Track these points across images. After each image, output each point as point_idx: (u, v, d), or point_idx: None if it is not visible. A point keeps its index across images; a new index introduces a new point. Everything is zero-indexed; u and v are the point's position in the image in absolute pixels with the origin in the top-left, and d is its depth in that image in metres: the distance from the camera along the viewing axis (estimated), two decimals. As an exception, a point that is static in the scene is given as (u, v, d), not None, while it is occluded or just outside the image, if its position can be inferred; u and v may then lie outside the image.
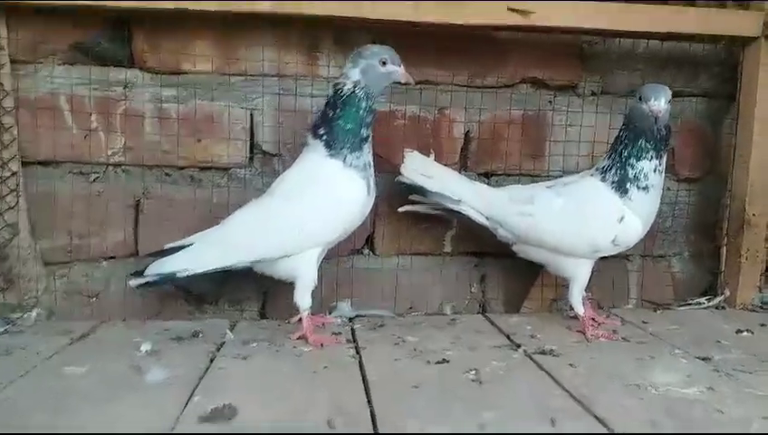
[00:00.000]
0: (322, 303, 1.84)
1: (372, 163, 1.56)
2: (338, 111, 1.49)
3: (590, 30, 1.80)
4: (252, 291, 1.85)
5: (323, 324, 1.71)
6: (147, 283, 1.54)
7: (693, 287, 2.09)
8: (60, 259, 1.76)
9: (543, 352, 1.48)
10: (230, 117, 1.79)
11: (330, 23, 1.74)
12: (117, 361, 1.38)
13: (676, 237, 2.09)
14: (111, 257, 1.78)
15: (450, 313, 1.90)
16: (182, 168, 1.80)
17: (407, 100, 1.88)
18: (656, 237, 2.04)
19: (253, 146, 1.83)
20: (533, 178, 1.96)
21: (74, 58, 1.72)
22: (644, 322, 1.77)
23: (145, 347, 1.47)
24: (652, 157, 1.55)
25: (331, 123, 1.50)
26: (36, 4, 1.61)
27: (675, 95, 1.98)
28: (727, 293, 1.97)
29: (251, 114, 1.81)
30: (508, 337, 1.61)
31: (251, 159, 1.83)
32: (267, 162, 1.84)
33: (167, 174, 1.80)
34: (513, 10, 1.70)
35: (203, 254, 1.53)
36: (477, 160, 1.95)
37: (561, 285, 1.94)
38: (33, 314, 1.70)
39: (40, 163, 1.73)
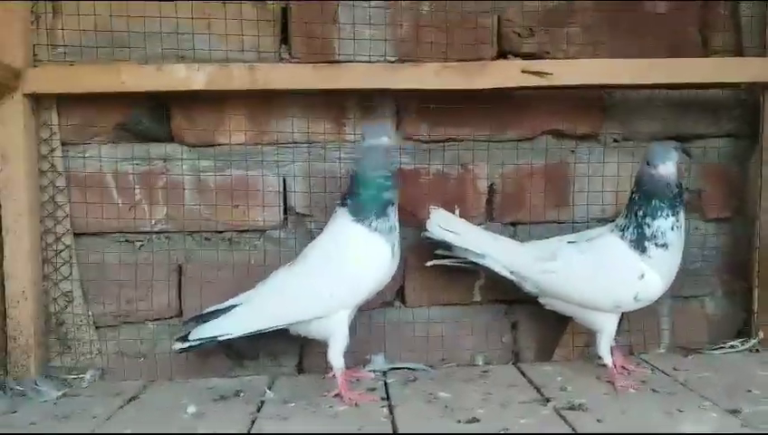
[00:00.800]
0: (356, 356, 1.91)
1: (397, 226, 1.64)
2: (356, 180, 1.61)
3: (608, 85, 1.86)
4: (289, 345, 1.93)
5: (358, 380, 1.77)
6: (190, 346, 1.64)
7: (728, 327, 2.08)
8: (110, 323, 1.88)
9: (572, 407, 1.51)
10: (264, 183, 1.89)
11: (355, 91, 1.84)
12: (166, 425, 1.47)
13: (707, 278, 2.09)
14: (157, 319, 1.89)
15: (482, 363, 1.94)
16: (221, 231, 1.91)
17: (431, 157, 1.95)
18: (685, 279, 2.05)
19: (286, 209, 1.93)
20: (560, 225, 2.01)
21: (118, 137, 1.86)
22: (675, 368, 1.79)
23: (191, 410, 1.56)
24: (668, 215, 1.59)
25: (353, 192, 1.61)
26: (82, 94, 1.75)
27: (698, 138, 2.05)
28: (761, 335, 1.96)
29: (283, 179, 1.91)
30: (538, 390, 1.65)
31: (285, 220, 1.93)
32: (300, 223, 1.93)
33: (206, 238, 1.91)
34: (528, 72, 1.76)
35: (241, 319, 1.62)
36: (502, 212, 2.00)
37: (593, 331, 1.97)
38: (88, 375, 1.81)
39: (90, 235, 1.86)
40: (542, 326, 2.01)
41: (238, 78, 1.72)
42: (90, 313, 1.85)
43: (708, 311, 2.10)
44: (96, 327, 1.86)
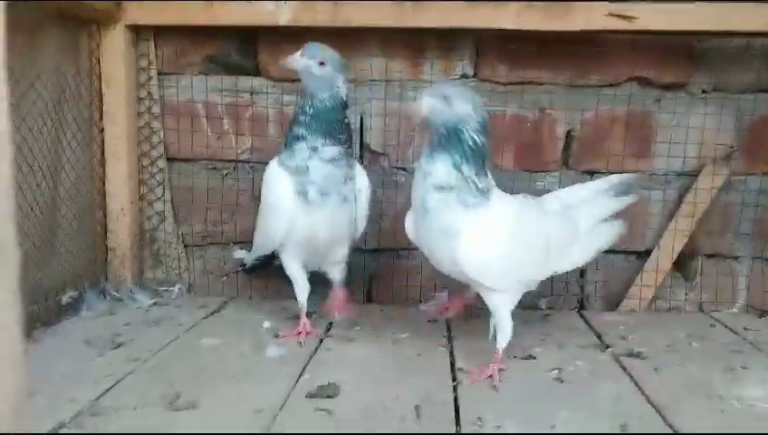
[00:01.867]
0: (421, 292, 1.99)
1: (336, 171, 1.51)
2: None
3: (696, 32, 1.77)
4: (358, 275, 2.03)
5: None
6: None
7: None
8: (197, 242, 2.04)
9: (631, 355, 1.53)
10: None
11: (431, 31, 1.84)
12: (243, 337, 1.61)
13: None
14: (240, 242, 2.03)
15: (545, 307, 1.97)
16: (299, 164, 2.00)
17: (507, 100, 1.95)
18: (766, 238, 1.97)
19: (362, 145, 1.99)
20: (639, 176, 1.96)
21: (209, 69, 1.96)
22: (745, 328, 1.76)
23: (266, 324, 1.70)
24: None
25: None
26: (176, 24, 1.85)
27: None
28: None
29: (360, 117, 1.97)
30: (599, 337, 1.67)
31: (361, 156, 1.99)
32: (374, 160, 1.99)
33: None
34: (614, 15, 1.70)
35: (252, 247, 1.80)
36: (579, 159, 1.98)
37: (663, 286, 1.96)
38: (176, 288, 1.99)
39: (181, 160, 2.00)
40: (609, 276, 2.01)
41: (321, 14, 1.77)
42: (179, 232, 2.01)
43: (788, 274, 2.02)
44: (185, 246, 2.02)
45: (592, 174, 1.99)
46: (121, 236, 1.92)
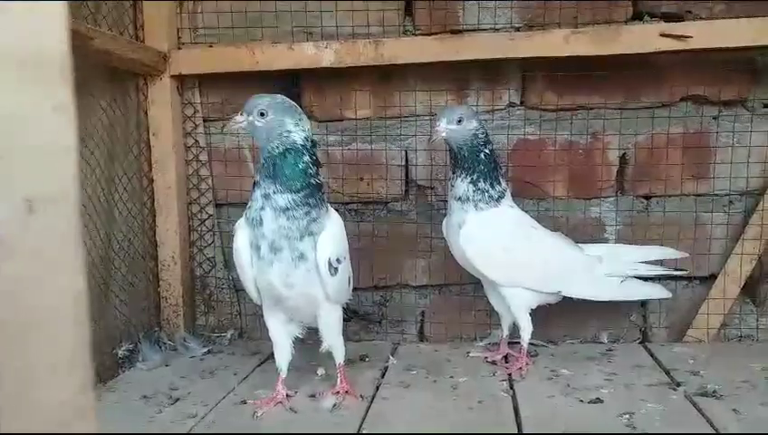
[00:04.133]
0: (475, 327, 1.94)
1: (287, 227, 1.33)
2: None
3: (755, 47, 1.68)
4: (410, 313, 2.00)
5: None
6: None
7: None
8: (248, 287, 2.03)
9: (705, 394, 1.44)
10: (387, 156, 1.93)
11: (474, 62, 1.81)
12: (297, 385, 1.58)
13: None
14: (289, 284, 2.02)
15: (607, 341, 1.89)
16: (347, 203, 1.98)
17: (558, 127, 1.89)
18: None
19: (408, 181, 1.96)
20: (698, 198, 1.89)
21: (254, 112, 1.96)
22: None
23: (320, 371, 1.67)
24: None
25: None
26: (221, 73, 1.86)
27: None
28: None
29: (405, 152, 1.94)
30: (667, 373, 1.59)
31: (406, 192, 1.96)
32: (421, 195, 1.96)
33: (335, 209, 1.99)
34: (667, 36, 1.64)
35: None
36: (635, 184, 1.91)
37: (731, 313, 1.86)
38: (228, 334, 1.98)
39: (230, 205, 2.01)
40: (673, 304, 1.92)
41: (364, 53, 1.76)
42: (230, 277, 2.01)
43: None
44: (236, 290, 2.02)
45: (649, 198, 1.92)
46: (173, 285, 1.93)
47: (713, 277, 1.88)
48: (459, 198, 1.59)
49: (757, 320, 1.87)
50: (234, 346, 1.94)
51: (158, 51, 1.81)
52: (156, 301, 1.94)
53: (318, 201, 1.37)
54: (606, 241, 1.91)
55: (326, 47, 1.77)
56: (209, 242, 2.00)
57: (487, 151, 1.59)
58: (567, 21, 1.82)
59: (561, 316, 1.92)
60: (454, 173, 1.61)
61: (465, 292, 1.96)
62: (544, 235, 1.67)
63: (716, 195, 1.89)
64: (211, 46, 1.87)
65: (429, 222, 1.94)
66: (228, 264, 2.02)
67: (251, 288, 1.45)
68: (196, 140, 1.95)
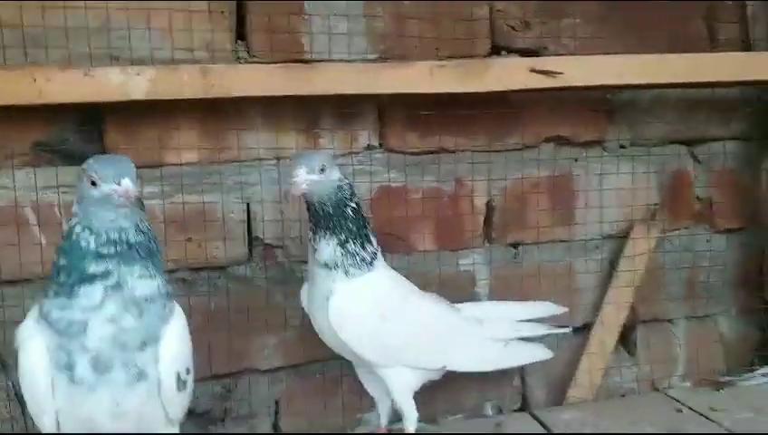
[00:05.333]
0: (344, 414, 1.62)
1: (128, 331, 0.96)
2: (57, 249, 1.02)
3: (623, 86, 1.63)
4: (262, 404, 1.62)
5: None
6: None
7: (744, 348, 1.91)
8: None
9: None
10: (224, 210, 1.56)
11: (324, 97, 1.52)
12: None
13: (720, 294, 1.90)
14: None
15: (492, 413, 1.68)
16: (171, 271, 1.55)
17: (420, 172, 1.67)
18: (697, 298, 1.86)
19: (251, 239, 1.60)
20: (565, 244, 1.78)
21: (38, 159, 1.47)
22: (712, 408, 1.57)
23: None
24: None
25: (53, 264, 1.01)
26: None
27: (711, 140, 1.86)
28: (787, 359, 1.79)
29: (247, 205, 1.58)
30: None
31: (250, 253, 1.60)
32: (270, 256, 1.61)
33: (154, 279, 1.56)
34: (537, 72, 1.50)
35: None
36: (503, 232, 1.74)
37: (611, 365, 1.75)
38: (9, 463, 1.44)
39: (4, 283, 1.48)
40: (548, 360, 1.76)
41: (189, 83, 1.38)
42: (9, 383, 1.47)
43: (723, 331, 1.91)
44: (20, 399, 1.48)
45: (517, 246, 1.77)
46: None
47: (585, 328, 1.78)
48: (325, 265, 1.28)
49: (637, 371, 1.79)
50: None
51: None
52: None
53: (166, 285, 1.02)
54: (478, 296, 1.72)
55: (138, 74, 1.37)
56: (-25, 338, 1.45)
57: (353, 205, 1.31)
58: (424, 54, 1.62)
59: (438, 388, 1.66)
60: (315, 234, 1.29)
61: (329, 369, 1.63)
62: (423, 300, 1.41)
63: (582, 240, 1.79)
64: (-30, 69, 1.37)
65: (281, 288, 1.59)
66: (6, 364, 1.48)
67: (48, 425, 0.99)
68: (-49, 198, 1.42)
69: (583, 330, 1.77)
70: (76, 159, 1.49)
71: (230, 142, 1.55)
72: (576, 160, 1.79)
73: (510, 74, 1.50)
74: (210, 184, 1.55)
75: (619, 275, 1.74)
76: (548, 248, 1.77)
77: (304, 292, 1.42)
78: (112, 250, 0.96)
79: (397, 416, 1.45)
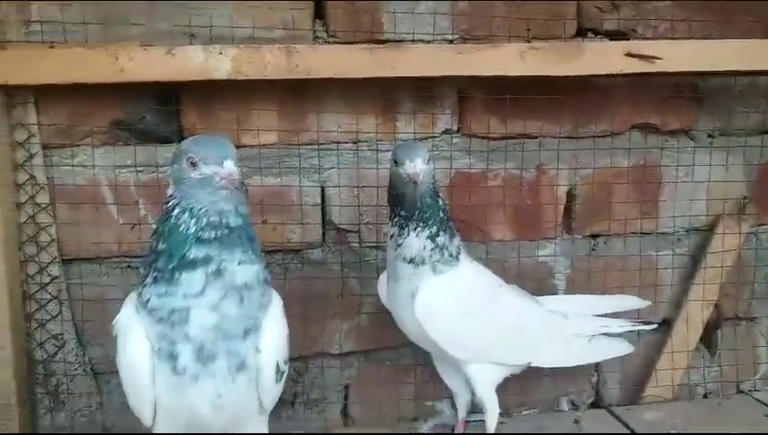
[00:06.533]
0: (416, 403, 1.59)
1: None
2: (153, 233, 0.99)
3: (720, 72, 1.53)
4: (332, 389, 1.60)
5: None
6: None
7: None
8: (113, 368, 1.50)
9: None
10: (300, 193, 1.52)
11: (405, 80, 1.46)
12: None
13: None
14: (169, 362, 1.54)
15: (568, 409, 1.63)
16: (245, 253, 1.54)
17: (498, 158, 1.61)
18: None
19: (325, 224, 1.57)
20: (644, 237, 1.69)
21: (115, 137, 1.46)
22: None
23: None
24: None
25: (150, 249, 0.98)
26: (68, 84, 1.34)
27: None
28: None
29: (322, 189, 1.55)
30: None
31: (323, 237, 1.57)
32: (342, 240, 1.58)
33: (228, 262, 1.55)
34: (633, 56, 1.42)
35: None
36: (583, 222, 1.67)
37: (691, 366, 1.68)
38: (87, 437, 1.46)
39: (83, 261, 1.48)
40: (623, 357, 1.69)
41: (272, 63, 1.34)
42: (86, 358, 1.49)
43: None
44: (94, 375, 1.50)
45: (597, 237, 1.70)
46: (2, 378, 1.37)
47: (664, 324, 1.71)
48: (412, 260, 1.22)
49: (718, 371, 1.72)
50: (96, 455, 1.42)
51: (-28, 49, 1.26)
52: (-25, 404, 1.37)
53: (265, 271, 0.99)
54: (555, 288, 1.66)
55: (220, 53, 1.33)
56: (54, 314, 1.45)
57: (442, 196, 1.27)
58: (507, 35, 1.54)
59: (511, 380, 1.62)
60: (404, 228, 1.23)
61: (402, 355, 1.60)
62: (510, 296, 1.36)
63: (665, 233, 1.71)
64: (52, 47, 1.34)
65: (355, 273, 1.56)
66: (82, 339, 1.49)
67: (148, 415, 0.98)
68: (32, 176, 1.41)
69: (662, 326, 1.70)
70: (152, 138, 1.48)
71: (308, 124, 1.51)
72: (662, 150, 1.69)
73: (605, 58, 1.42)
74: (287, 167, 1.52)
75: (705, 271, 1.66)
76: (629, 241, 1.69)
77: (383, 287, 1.38)
78: (213, 235, 0.92)
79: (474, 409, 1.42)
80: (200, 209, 0.93)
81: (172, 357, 0.91)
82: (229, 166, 0.92)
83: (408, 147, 1.22)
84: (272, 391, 1.00)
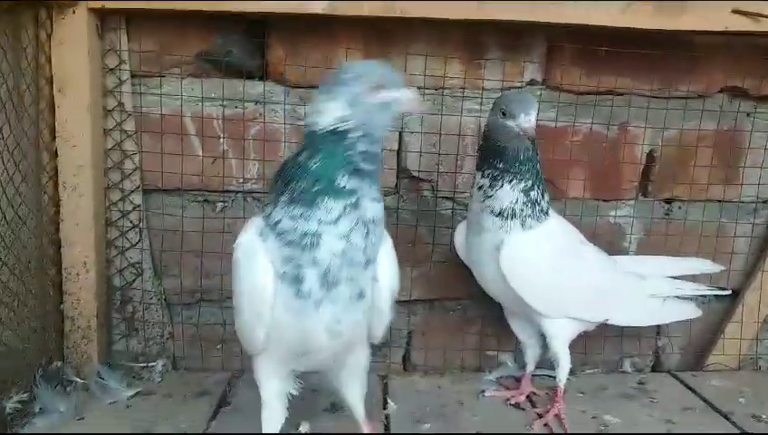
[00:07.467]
0: (480, 354, 1.60)
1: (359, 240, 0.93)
2: (302, 151, 0.95)
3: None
4: (396, 335, 1.61)
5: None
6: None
7: None
8: (186, 301, 1.54)
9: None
10: (379, 137, 1.51)
11: (496, 25, 1.43)
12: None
13: None
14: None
15: (631, 370, 1.63)
16: (320, 195, 1.54)
17: (580, 112, 1.57)
18: None
19: (399, 170, 1.55)
20: (722, 204, 1.66)
21: (201, 69, 1.45)
22: None
23: (303, 429, 1.25)
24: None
25: (286, 162, 0.98)
26: (161, 10, 1.33)
27: None
28: None
29: (400, 134, 1.53)
30: (727, 417, 1.34)
31: (397, 184, 1.56)
32: (415, 187, 1.57)
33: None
34: (740, 13, 1.36)
35: None
36: (661, 186, 1.64)
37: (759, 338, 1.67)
38: (159, 365, 1.49)
39: (164, 192, 1.49)
40: (685, 323, 1.67)
41: (369, 2, 1.31)
42: (162, 288, 1.51)
43: None
44: (168, 305, 1.53)
45: (671, 202, 1.66)
46: (84, 300, 1.40)
47: (733, 293, 1.68)
48: (501, 213, 1.21)
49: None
50: (168, 382, 1.46)
51: (71, -30, 1.25)
52: (58, 323, 1.40)
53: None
54: (625, 250, 1.64)
55: (320, -12, 1.31)
56: (134, 242, 1.47)
57: (538, 150, 1.25)
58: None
59: (576, 338, 1.62)
60: (496, 179, 1.21)
61: (467, 307, 1.60)
62: (593, 254, 1.35)
63: (742, 202, 1.67)
64: (148, -29, 1.33)
65: (426, 221, 1.55)
66: (159, 270, 1.51)
67: (259, 340, 0.98)
68: (121, 103, 1.41)
69: (730, 295, 1.68)
70: (238, 72, 1.47)
71: (395, 67, 1.46)
72: (748, 115, 1.64)
73: (710, 14, 1.36)
74: (370, 109, 1.49)
75: (782, 243, 1.62)
76: (705, 207, 1.65)
77: (460, 239, 1.38)
78: (366, 167, 0.92)
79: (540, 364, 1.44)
80: (376, 139, 0.93)
81: (297, 281, 0.91)
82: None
83: (521, 99, 1.19)
84: (384, 321, 1.02)
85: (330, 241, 0.90)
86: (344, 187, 0.90)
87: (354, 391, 1.09)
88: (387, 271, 0.98)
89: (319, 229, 0.90)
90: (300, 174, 0.92)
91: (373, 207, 0.93)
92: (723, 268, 1.54)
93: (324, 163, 0.91)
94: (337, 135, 0.91)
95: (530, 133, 1.15)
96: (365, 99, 0.91)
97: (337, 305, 0.93)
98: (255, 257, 0.93)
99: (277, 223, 0.92)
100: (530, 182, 1.21)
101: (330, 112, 0.92)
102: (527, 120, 1.15)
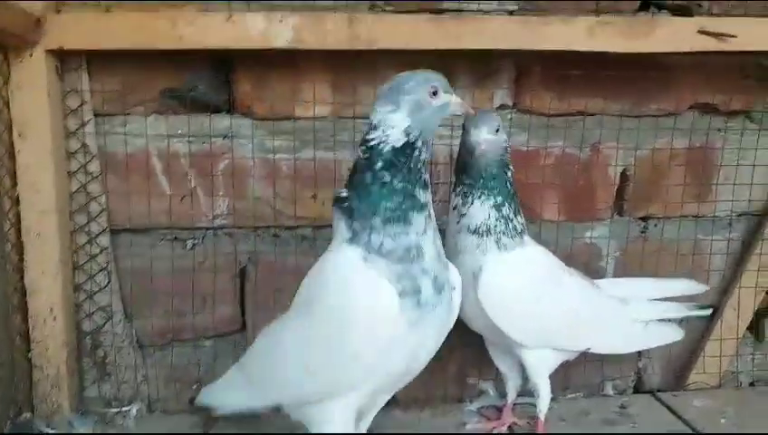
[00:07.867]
0: (463, 386, 1.58)
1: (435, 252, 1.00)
2: (379, 171, 0.96)
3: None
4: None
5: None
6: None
7: None
8: (158, 342, 1.50)
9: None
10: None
11: (464, 53, 1.41)
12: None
13: None
14: (216, 336, 1.53)
15: (613, 393, 1.61)
16: (295, 227, 1.52)
17: (552, 135, 1.56)
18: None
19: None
20: (697, 220, 1.66)
21: (166, 106, 1.43)
22: None
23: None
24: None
25: (361, 186, 0.98)
26: (123, 50, 1.30)
27: None
28: None
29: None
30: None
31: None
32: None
33: (276, 235, 1.52)
34: (707, 33, 1.36)
35: (231, 389, 1.20)
36: (635, 204, 1.64)
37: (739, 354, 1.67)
38: (134, 409, 1.45)
39: (132, 232, 1.46)
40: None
41: (333, 32, 1.30)
42: (133, 330, 1.48)
43: None
44: (140, 348, 1.49)
45: (646, 220, 1.66)
46: (52, 347, 1.36)
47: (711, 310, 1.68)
48: (475, 231, 1.21)
49: (763, 359, 1.70)
50: (143, 427, 1.42)
51: (27, 12, 1.21)
52: (26, 373, 1.36)
53: None
54: (603, 270, 1.64)
55: (281, 21, 1.29)
56: (103, 285, 1.44)
57: (511, 169, 1.25)
58: (565, 8, 1.48)
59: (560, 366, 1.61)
60: (467, 197, 1.22)
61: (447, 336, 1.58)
62: (574, 280, 1.34)
63: (717, 217, 1.68)
64: (109, 10, 1.30)
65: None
66: (129, 312, 1.47)
67: (362, 369, 0.97)
68: (85, 144, 1.38)
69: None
70: (204, 108, 1.45)
71: (363, 97, 1.46)
72: (719, 131, 1.65)
73: (677, 35, 1.37)
74: (341, 141, 1.48)
75: (760, 258, 1.62)
76: (680, 224, 1.66)
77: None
78: (427, 178, 1.00)
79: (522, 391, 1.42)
80: (428, 144, 1.00)
81: (416, 292, 0.95)
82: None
83: (480, 115, 1.21)
84: (453, 320, 1.08)
85: (428, 249, 0.97)
86: (421, 200, 0.97)
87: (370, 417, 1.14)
88: (455, 272, 1.08)
89: (418, 241, 0.96)
90: (388, 194, 0.95)
91: (433, 213, 1.01)
92: (706, 288, 1.53)
93: (406, 179, 0.96)
94: (410, 148, 0.97)
95: (483, 145, 1.17)
96: (425, 105, 0.98)
97: (443, 306, 1.00)
98: (378, 282, 0.94)
99: (381, 246, 0.95)
100: (500, 198, 1.21)
101: (397, 125, 0.97)
102: (475, 132, 1.18)
